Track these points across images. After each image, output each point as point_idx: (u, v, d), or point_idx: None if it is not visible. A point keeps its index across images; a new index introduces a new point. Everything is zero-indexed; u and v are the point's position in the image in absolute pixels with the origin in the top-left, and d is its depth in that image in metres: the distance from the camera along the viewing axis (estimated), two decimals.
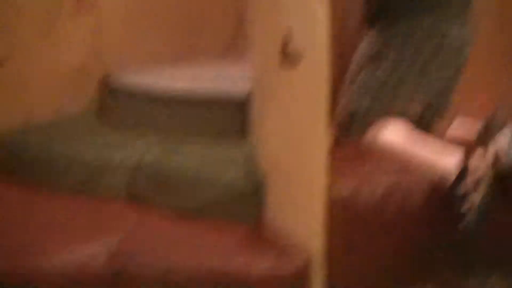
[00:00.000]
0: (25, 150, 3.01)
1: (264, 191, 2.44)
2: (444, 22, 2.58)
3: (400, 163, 2.52)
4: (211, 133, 2.90)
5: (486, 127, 2.47)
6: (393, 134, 2.56)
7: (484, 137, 2.44)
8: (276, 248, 2.31)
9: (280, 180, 2.36)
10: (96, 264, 2.34)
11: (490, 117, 2.51)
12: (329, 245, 2.21)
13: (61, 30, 3.26)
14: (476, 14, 2.71)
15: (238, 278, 2.24)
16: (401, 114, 2.59)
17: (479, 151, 2.38)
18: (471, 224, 2.31)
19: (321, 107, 2.13)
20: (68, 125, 3.21)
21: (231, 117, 2.87)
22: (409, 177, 2.48)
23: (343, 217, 2.33)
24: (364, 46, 2.67)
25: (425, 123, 2.67)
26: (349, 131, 2.62)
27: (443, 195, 2.41)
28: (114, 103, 3.27)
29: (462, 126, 2.77)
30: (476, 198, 2.31)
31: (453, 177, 2.39)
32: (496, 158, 2.30)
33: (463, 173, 2.37)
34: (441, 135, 2.66)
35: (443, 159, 2.45)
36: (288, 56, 2.18)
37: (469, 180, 2.34)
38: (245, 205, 2.48)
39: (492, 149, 2.33)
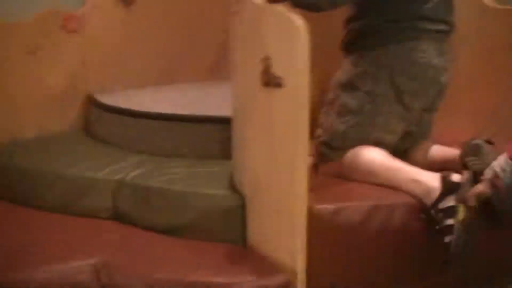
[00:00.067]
0: (11, 167, 3.04)
1: (245, 211, 2.47)
2: (419, 52, 2.57)
3: (380, 182, 2.54)
4: (194, 153, 2.95)
5: (467, 151, 2.52)
6: (372, 155, 2.57)
7: (465, 160, 2.49)
8: (258, 267, 2.33)
9: (261, 200, 2.40)
10: (82, 278, 2.38)
11: (469, 141, 2.56)
12: (310, 264, 2.23)
13: (48, 49, 3.32)
14: (455, 43, 2.73)
15: None
16: (378, 142, 2.60)
17: (461, 172, 2.42)
18: (457, 242, 2.33)
19: (301, 130, 2.16)
20: (53, 143, 3.25)
21: (214, 137, 2.91)
22: (391, 195, 2.49)
23: (325, 235, 2.36)
24: (339, 73, 2.67)
25: (403, 150, 2.69)
26: (327, 154, 2.64)
27: (426, 212, 2.43)
28: (99, 122, 3.32)
29: (440, 152, 2.76)
30: (460, 218, 2.33)
31: (435, 194, 2.40)
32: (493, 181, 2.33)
33: (446, 189, 2.39)
34: (418, 162, 2.65)
35: (424, 177, 2.47)
36: (268, 80, 2.22)
37: (452, 198, 2.37)
38: (227, 224, 2.52)
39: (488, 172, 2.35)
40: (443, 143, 2.80)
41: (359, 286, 2.43)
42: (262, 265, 2.35)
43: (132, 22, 3.55)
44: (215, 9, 2.71)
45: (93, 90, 3.44)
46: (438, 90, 2.67)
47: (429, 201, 2.41)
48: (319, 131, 2.64)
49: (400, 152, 2.64)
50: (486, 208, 2.29)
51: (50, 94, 3.36)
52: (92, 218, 2.77)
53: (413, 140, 2.73)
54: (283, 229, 2.27)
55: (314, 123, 2.40)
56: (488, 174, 2.28)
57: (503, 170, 2.22)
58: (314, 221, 2.26)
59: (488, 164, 2.36)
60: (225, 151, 2.69)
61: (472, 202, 2.29)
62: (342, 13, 2.69)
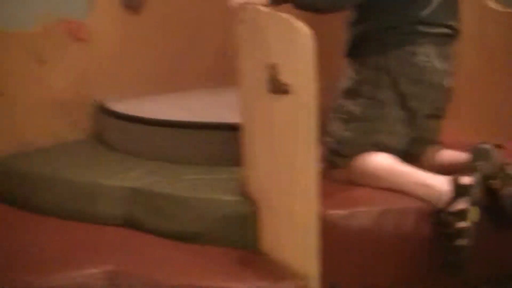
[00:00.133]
0: (21, 176, 3.07)
1: (257, 217, 2.49)
2: (420, 56, 2.56)
3: (390, 186, 2.53)
4: (206, 160, 2.97)
5: (475, 155, 2.52)
6: (381, 161, 2.57)
7: (475, 164, 2.48)
8: (271, 272, 2.34)
9: (273, 206, 2.41)
10: (96, 285, 2.39)
11: (478, 145, 2.56)
12: (323, 269, 2.24)
13: (56, 58, 3.35)
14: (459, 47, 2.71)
15: None
16: (385, 147, 2.59)
17: (469, 175, 2.41)
18: (465, 243, 2.34)
19: (310, 136, 2.17)
20: (65, 151, 3.27)
21: (224, 143, 2.92)
22: (401, 199, 2.49)
23: (337, 241, 2.37)
24: (343, 80, 2.67)
25: (412, 154, 2.68)
26: (334, 161, 2.64)
27: (437, 215, 2.42)
28: (109, 130, 3.34)
29: (449, 156, 2.76)
30: (472, 221, 2.34)
31: (445, 197, 2.40)
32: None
33: (456, 192, 2.39)
34: (428, 166, 2.64)
35: (433, 180, 2.47)
36: (275, 88, 2.24)
37: (463, 200, 2.37)
38: (240, 230, 2.53)
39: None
40: (443, 144, 2.81)
41: None
42: (275, 270, 2.36)
43: (139, 29, 3.57)
44: (217, 14, 2.72)
45: (103, 97, 3.46)
46: (443, 95, 2.66)
47: (439, 205, 2.41)
48: (326, 139, 2.64)
49: (409, 156, 2.63)
50: (496, 210, 2.30)
51: (60, 102, 3.38)
52: (105, 226, 2.79)
53: (421, 145, 2.72)
54: (296, 234, 2.28)
55: (323, 130, 2.40)
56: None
57: None
58: (326, 227, 2.27)
59: (497, 168, 2.37)
60: (237, 158, 2.70)
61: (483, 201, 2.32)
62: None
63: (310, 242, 2.22)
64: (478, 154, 2.51)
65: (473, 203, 2.34)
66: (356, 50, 2.64)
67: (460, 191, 2.37)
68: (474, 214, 2.33)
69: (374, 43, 2.59)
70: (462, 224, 2.34)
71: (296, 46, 2.15)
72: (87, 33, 3.41)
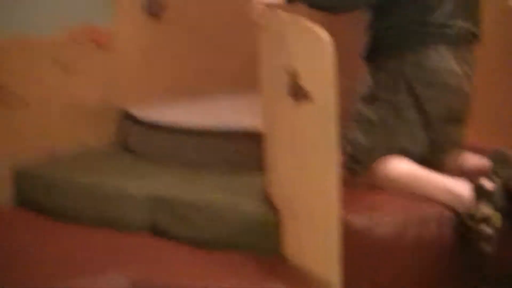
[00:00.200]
0: (46, 183, 3.10)
1: (279, 223, 2.49)
2: (435, 59, 2.53)
3: (412, 192, 2.52)
4: (228, 166, 2.98)
5: (496, 157, 2.50)
6: (402, 166, 2.56)
7: (495, 168, 2.45)
8: (293, 279, 2.35)
9: (295, 213, 2.40)
10: None
11: (497, 150, 2.53)
12: (346, 276, 2.22)
13: (80, 64, 3.37)
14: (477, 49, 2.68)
15: None
16: (404, 152, 2.58)
17: (490, 180, 2.40)
18: (488, 249, 2.33)
19: (331, 142, 2.16)
20: (89, 157, 3.31)
21: (247, 149, 2.93)
22: (424, 205, 2.48)
23: (359, 247, 2.36)
24: (360, 85, 2.66)
25: (433, 159, 2.65)
26: (353, 168, 2.63)
27: (459, 220, 2.41)
28: (134, 136, 3.37)
29: (471, 161, 2.74)
30: (495, 225, 2.33)
31: (467, 202, 2.39)
32: None
33: (478, 197, 2.37)
34: (449, 170, 2.61)
35: (455, 185, 2.45)
36: (296, 94, 2.24)
37: (484, 206, 2.35)
38: (261, 237, 2.54)
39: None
40: (464, 149, 2.78)
41: None
42: (297, 276, 2.36)
43: (162, 36, 3.59)
44: (241, 19, 2.73)
45: (127, 104, 3.48)
46: (462, 98, 2.63)
47: (462, 209, 2.39)
48: (345, 145, 2.63)
49: (431, 161, 2.62)
50: None
51: (85, 109, 3.41)
52: (129, 232, 2.81)
53: (441, 149, 2.69)
54: (318, 241, 2.28)
55: (343, 135, 2.40)
56: None
57: None
58: (348, 233, 2.26)
59: None
60: (260, 164, 2.70)
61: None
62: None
63: (332, 248, 2.21)
64: (498, 159, 2.48)
65: (496, 209, 2.33)
66: (372, 54, 2.64)
67: (482, 196, 2.36)
68: (496, 219, 2.31)
69: (388, 47, 2.58)
70: (485, 230, 2.32)
71: (316, 52, 2.14)
72: (111, 41, 3.44)
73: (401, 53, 2.55)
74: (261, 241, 2.54)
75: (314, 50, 2.15)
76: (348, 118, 2.63)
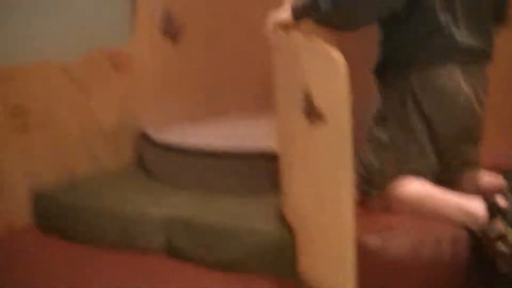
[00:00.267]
0: (66, 204, 3.13)
1: (294, 243, 2.49)
2: (444, 79, 2.50)
3: (426, 212, 2.51)
4: (244, 186, 2.99)
5: (509, 177, 2.49)
6: (415, 187, 2.54)
7: (510, 184, 2.45)
8: None
9: (309, 233, 2.41)
10: None
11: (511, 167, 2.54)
12: None
13: (98, 86, 3.42)
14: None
15: None
16: (416, 173, 2.56)
17: (506, 196, 2.38)
18: (504, 266, 2.30)
19: (345, 163, 2.16)
20: (107, 180, 3.34)
21: (263, 170, 2.94)
22: (438, 224, 2.46)
23: (373, 267, 2.36)
24: (372, 104, 2.64)
25: (448, 179, 2.63)
26: (366, 190, 2.61)
27: (474, 238, 2.40)
28: (151, 158, 3.39)
29: (486, 178, 2.71)
30: (507, 240, 2.30)
31: (482, 219, 2.37)
32: None
33: (492, 215, 2.35)
34: (464, 188, 2.60)
35: (470, 204, 2.43)
36: (310, 114, 2.25)
37: (499, 224, 2.33)
38: (278, 258, 2.54)
39: None
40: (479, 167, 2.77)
41: None
42: None
43: (180, 57, 3.62)
44: (257, 40, 2.75)
45: (144, 125, 3.51)
46: (473, 118, 2.59)
47: (476, 228, 2.38)
48: (358, 166, 2.62)
49: (445, 180, 2.61)
50: None
51: (103, 131, 3.44)
52: (146, 253, 2.83)
53: (455, 169, 2.67)
54: (332, 261, 2.27)
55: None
56: None
57: None
58: (362, 254, 2.26)
59: None
60: (276, 185, 2.71)
61: None
62: None
63: (347, 269, 2.20)
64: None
65: (510, 226, 2.31)
66: (381, 71, 2.62)
67: (497, 214, 2.34)
68: (511, 236, 2.30)
69: (396, 64, 2.56)
70: (501, 248, 2.30)
71: (330, 73, 2.15)
72: (128, 62, 3.47)
73: (409, 72, 2.52)
74: (276, 261, 2.54)
75: (327, 71, 2.16)
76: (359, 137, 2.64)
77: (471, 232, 2.41)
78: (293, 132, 2.44)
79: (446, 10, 2.49)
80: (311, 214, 2.38)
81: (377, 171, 2.59)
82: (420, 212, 2.51)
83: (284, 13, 2.51)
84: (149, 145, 3.38)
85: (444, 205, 2.47)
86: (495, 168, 2.71)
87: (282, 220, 2.59)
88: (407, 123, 2.55)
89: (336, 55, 2.12)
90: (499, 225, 2.33)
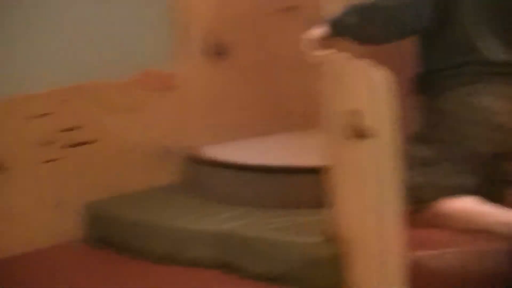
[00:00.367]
0: (114, 221, 3.22)
1: (342, 258, 2.52)
2: (477, 96, 2.46)
3: (472, 227, 2.48)
4: (290, 203, 3.02)
5: None
6: (461, 203, 2.51)
7: None
8: None
9: (358, 248, 2.44)
10: None
11: None
12: None
13: (146, 107, 3.50)
14: None
15: None
16: (458, 189, 2.53)
17: None
18: None
19: (392, 179, 2.19)
20: (154, 197, 3.40)
21: (309, 186, 2.96)
22: (485, 239, 2.47)
23: (422, 282, 2.36)
24: (413, 121, 2.61)
25: (489, 194, 2.58)
26: (412, 205, 2.53)
27: None
28: (196, 175, 3.45)
29: None
30: None
31: None
32: None
33: None
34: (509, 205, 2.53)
35: None
36: (357, 132, 2.28)
37: None
38: (326, 272, 2.57)
39: None
40: None
41: None
42: None
43: (225, 76, 3.66)
44: (300, 58, 2.78)
45: (192, 143, 3.56)
46: (507, 135, 2.52)
47: None
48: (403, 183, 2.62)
49: (490, 197, 2.60)
50: None
51: (154, 149, 3.51)
52: (197, 268, 2.88)
53: (499, 185, 2.63)
54: (380, 276, 2.29)
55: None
56: None
57: None
58: (411, 268, 2.26)
59: None
60: (323, 200, 2.74)
61: None
62: None
63: (394, 284, 2.22)
64: None
65: None
66: (421, 90, 2.60)
67: None
68: None
69: (432, 84, 2.54)
70: None
71: (375, 92, 2.18)
72: (176, 81, 3.54)
73: (444, 91, 2.50)
74: (324, 275, 2.57)
75: (372, 89, 2.19)
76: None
77: None
78: (340, 149, 2.47)
79: (478, 24, 2.47)
80: (359, 229, 2.41)
81: (418, 188, 2.56)
82: (467, 228, 2.48)
83: (318, 30, 2.55)
84: (197, 162, 3.44)
85: (490, 221, 2.44)
86: None
87: (331, 234, 2.62)
88: (445, 142, 2.53)
89: (382, 73, 2.15)
90: None
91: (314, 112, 2.70)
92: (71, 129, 3.31)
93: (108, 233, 3.22)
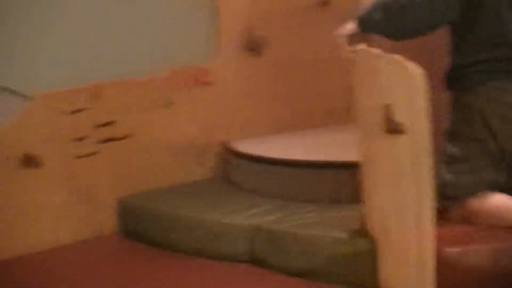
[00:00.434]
0: (151, 212, 3.23)
1: (375, 254, 2.51)
2: (506, 92, 2.46)
3: (506, 224, 2.49)
4: (325, 196, 3.03)
5: None
6: (496, 200, 2.52)
7: None
8: None
9: (390, 244, 2.43)
10: None
11: None
12: None
13: (183, 102, 3.52)
14: None
15: None
16: (491, 184, 2.54)
17: None
18: None
19: (424, 174, 2.19)
20: (191, 190, 3.42)
21: (344, 181, 2.97)
22: None
23: (453, 278, 2.36)
24: (445, 117, 2.61)
25: None
26: (444, 202, 2.56)
27: None
28: (234, 169, 3.46)
29: None
30: None
31: None
32: None
33: None
34: None
35: None
36: (390, 127, 2.27)
37: None
38: (358, 268, 2.56)
39: None
40: None
41: None
42: None
43: (262, 71, 3.67)
44: (336, 53, 2.78)
45: (228, 138, 3.58)
46: None
47: None
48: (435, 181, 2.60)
49: None
50: None
51: (187, 144, 3.53)
52: (227, 262, 2.89)
53: None
54: (411, 272, 2.29)
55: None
56: None
57: None
58: (442, 264, 2.27)
59: None
60: (356, 195, 2.74)
61: None
62: None
63: (426, 280, 2.22)
64: None
65: None
66: (451, 85, 2.59)
67: None
68: None
69: (461, 79, 2.53)
70: None
71: (409, 87, 2.18)
72: (211, 77, 3.56)
73: (474, 87, 2.50)
74: (357, 271, 2.56)
75: (407, 84, 2.19)
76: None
77: None
78: (373, 144, 2.47)
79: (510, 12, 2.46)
80: (392, 225, 2.40)
81: (450, 185, 2.57)
82: (499, 224, 2.48)
83: (348, 26, 2.55)
84: (233, 156, 3.46)
85: None
86: None
87: (363, 230, 2.62)
88: (476, 138, 2.52)
89: (415, 67, 2.15)
90: None
91: (349, 107, 2.69)
92: (105, 125, 3.33)
93: (141, 227, 3.24)
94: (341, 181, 2.99)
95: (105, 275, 2.90)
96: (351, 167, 2.78)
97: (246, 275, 2.78)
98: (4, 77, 3.17)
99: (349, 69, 2.62)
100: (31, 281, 2.86)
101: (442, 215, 2.52)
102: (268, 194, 3.18)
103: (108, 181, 3.36)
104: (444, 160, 2.59)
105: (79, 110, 3.27)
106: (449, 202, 2.57)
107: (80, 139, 3.28)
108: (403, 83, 2.20)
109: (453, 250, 2.39)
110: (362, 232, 2.61)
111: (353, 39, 2.54)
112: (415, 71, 2.14)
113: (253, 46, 3.66)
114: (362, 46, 2.50)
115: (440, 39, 2.60)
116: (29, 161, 3.17)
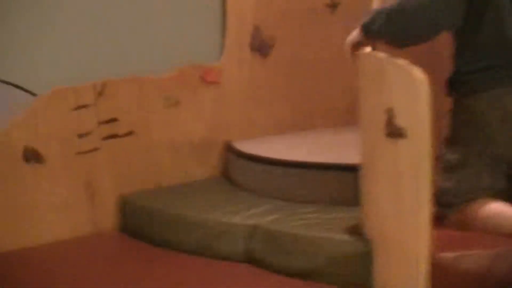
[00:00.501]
0: (151, 211, 3.25)
1: (372, 257, 2.52)
2: (508, 98, 2.44)
3: (502, 231, 2.45)
4: (326, 199, 3.03)
5: None
6: (489, 208, 2.48)
7: None
8: None
9: (387, 246, 2.44)
10: None
11: None
12: None
13: (188, 100, 3.53)
14: None
15: None
16: (489, 190, 2.50)
17: None
18: None
19: (424, 179, 2.18)
20: (193, 189, 3.43)
21: (345, 183, 2.97)
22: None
23: (447, 283, 2.36)
24: (446, 122, 2.58)
25: None
26: (441, 208, 2.52)
27: None
28: (236, 169, 3.47)
29: None
30: None
31: None
32: None
33: None
34: None
35: None
36: (391, 131, 2.27)
37: None
38: (355, 269, 2.57)
39: None
40: None
41: None
42: None
43: (267, 71, 3.69)
44: (341, 56, 2.78)
45: (231, 137, 3.60)
46: None
47: None
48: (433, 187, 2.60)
49: None
50: None
51: (191, 143, 3.55)
52: (227, 261, 2.90)
53: None
54: (407, 275, 2.28)
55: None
56: None
57: None
58: (437, 268, 2.25)
59: None
60: (356, 198, 2.74)
61: None
62: None
63: (421, 283, 2.20)
64: None
65: None
66: (453, 90, 2.56)
67: None
68: None
69: (464, 84, 2.51)
70: None
71: (412, 91, 2.18)
72: (217, 77, 3.57)
73: (475, 93, 2.47)
74: (355, 272, 2.57)
75: (409, 89, 2.19)
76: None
77: None
78: (375, 147, 2.48)
79: None
80: (389, 228, 2.41)
81: (448, 192, 2.55)
82: (495, 231, 2.47)
83: (355, 33, 2.55)
84: (235, 156, 3.47)
85: None
86: None
87: (359, 232, 2.63)
88: (474, 145, 2.50)
89: (419, 72, 2.15)
90: None
91: (356, 109, 2.70)
92: (108, 121, 3.34)
93: (141, 226, 3.25)
94: (342, 183, 3.00)
95: (104, 273, 2.91)
96: (352, 169, 2.79)
97: (245, 275, 2.78)
98: (9, 74, 3.18)
99: (356, 72, 2.63)
100: (31, 277, 2.86)
101: (440, 222, 2.52)
102: (269, 194, 3.19)
103: (110, 178, 3.38)
104: (442, 166, 2.58)
105: (84, 106, 3.29)
106: (448, 208, 2.57)
107: (83, 136, 3.30)
108: (406, 87, 2.21)
109: (448, 255, 2.40)
110: (361, 233, 2.62)
111: (358, 45, 2.54)
112: (419, 76, 2.14)
113: (260, 47, 3.67)
114: (369, 51, 2.51)
115: (444, 45, 2.60)
116: (31, 157, 3.19)
